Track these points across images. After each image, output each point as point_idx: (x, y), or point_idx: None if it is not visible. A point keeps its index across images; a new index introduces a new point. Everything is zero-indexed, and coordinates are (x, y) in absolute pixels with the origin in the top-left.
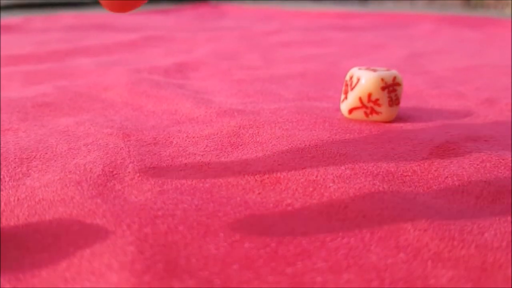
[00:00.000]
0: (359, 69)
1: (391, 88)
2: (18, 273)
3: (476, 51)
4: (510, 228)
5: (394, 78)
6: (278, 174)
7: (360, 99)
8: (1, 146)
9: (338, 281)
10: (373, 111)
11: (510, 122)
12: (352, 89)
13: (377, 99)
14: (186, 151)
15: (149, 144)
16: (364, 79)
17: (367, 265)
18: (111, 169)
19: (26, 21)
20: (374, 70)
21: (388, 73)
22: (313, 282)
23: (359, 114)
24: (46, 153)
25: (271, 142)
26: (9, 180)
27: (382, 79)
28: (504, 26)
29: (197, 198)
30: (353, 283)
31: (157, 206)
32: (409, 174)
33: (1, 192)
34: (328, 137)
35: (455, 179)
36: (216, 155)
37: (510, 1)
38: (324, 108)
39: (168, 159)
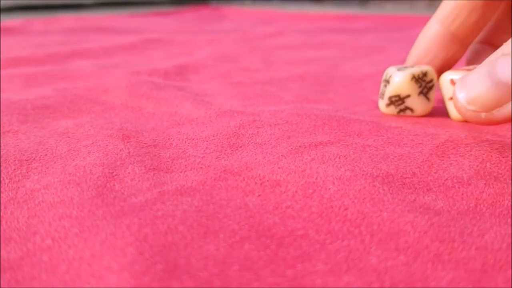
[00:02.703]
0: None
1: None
2: (18, 276)
3: None
4: (510, 230)
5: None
6: (278, 176)
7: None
8: (1, 148)
9: (338, 283)
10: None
11: (510, 123)
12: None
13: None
14: (186, 153)
15: (149, 146)
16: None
17: (367, 268)
18: (111, 170)
19: (26, 24)
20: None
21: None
22: (313, 285)
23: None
24: (46, 155)
25: (270, 143)
26: (9, 182)
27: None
28: None
29: (197, 200)
30: (353, 286)
31: (156, 207)
32: (409, 176)
33: (1, 194)
34: (328, 139)
35: (455, 180)
36: (216, 157)
37: None
38: (323, 110)
39: (168, 161)
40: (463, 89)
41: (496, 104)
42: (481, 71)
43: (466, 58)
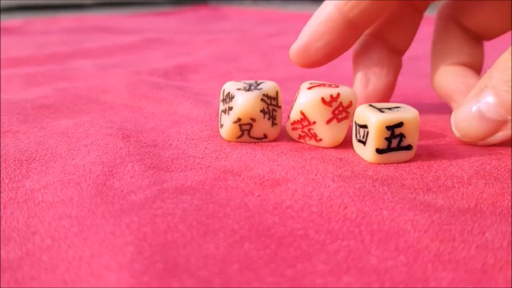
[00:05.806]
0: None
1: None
2: (18, 276)
3: None
4: (511, 228)
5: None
6: (277, 175)
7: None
8: (1, 148)
9: (338, 283)
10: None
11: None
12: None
13: None
14: (186, 153)
15: (148, 145)
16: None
17: (367, 268)
18: (110, 168)
19: (26, 24)
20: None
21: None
22: (313, 285)
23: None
24: (46, 154)
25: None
26: (9, 182)
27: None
28: None
29: (197, 199)
30: (353, 286)
31: (156, 205)
32: (409, 177)
33: (1, 194)
34: None
35: (455, 180)
36: (216, 158)
37: None
38: None
39: (168, 161)
40: (456, 129)
41: (487, 136)
42: (467, 109)
43: (354, 49)
